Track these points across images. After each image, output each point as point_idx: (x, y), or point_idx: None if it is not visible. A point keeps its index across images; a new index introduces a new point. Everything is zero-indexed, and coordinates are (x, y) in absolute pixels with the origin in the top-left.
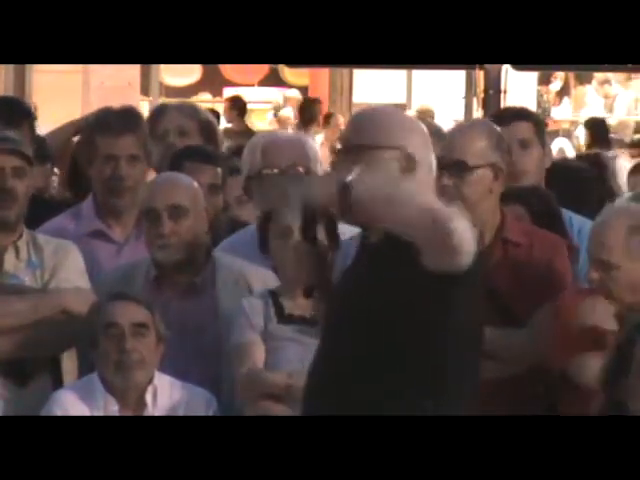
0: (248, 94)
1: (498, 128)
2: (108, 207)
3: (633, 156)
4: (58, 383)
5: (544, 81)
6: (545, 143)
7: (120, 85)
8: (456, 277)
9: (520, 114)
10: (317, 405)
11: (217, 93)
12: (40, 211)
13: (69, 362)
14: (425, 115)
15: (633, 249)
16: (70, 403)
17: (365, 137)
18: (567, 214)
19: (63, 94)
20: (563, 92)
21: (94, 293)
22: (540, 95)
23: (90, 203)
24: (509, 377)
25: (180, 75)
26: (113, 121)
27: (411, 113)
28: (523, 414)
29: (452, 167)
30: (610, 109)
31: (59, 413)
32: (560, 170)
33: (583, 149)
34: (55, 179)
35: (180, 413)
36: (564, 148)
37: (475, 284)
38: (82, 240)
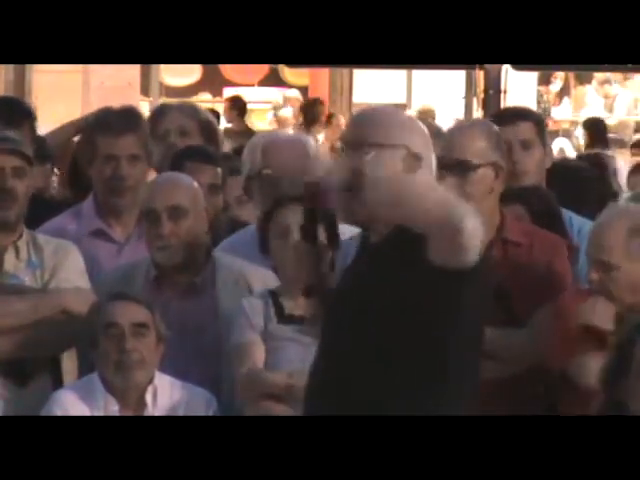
0: (248, 94)
1: (497, 128)
2: (109, 207)
3: (633, 155)
4: (58, 383)
5: (544, 81)
6: (546, 143)
7: (120, 85)
8: (460, 275)
9: (522, 114)
10: (317, 405)
11: (217, 93)
12: (40, 211)
13: (69, 362)
14: (426, 115)
15: (633, 250)
16: (70, 403)
17: (369, 136)
18: (567, 214)
19: (63, 94)
20: (563, 92)
21: (94, 293)
22: (540, 95)
23: (91, 203)
24: (509, 377)
25: (180, 75)
26: (114, 121)
27: (412, 113)
28: (523, 414)
29: (454, 166)
30: (610, 109)
31: (59, 413)
32: (560, 170)
33: (583, 149)
34: (55, 179)
35: (180, 413)
36: (564, 148)
37: (478, 283)
38: (82, 240)
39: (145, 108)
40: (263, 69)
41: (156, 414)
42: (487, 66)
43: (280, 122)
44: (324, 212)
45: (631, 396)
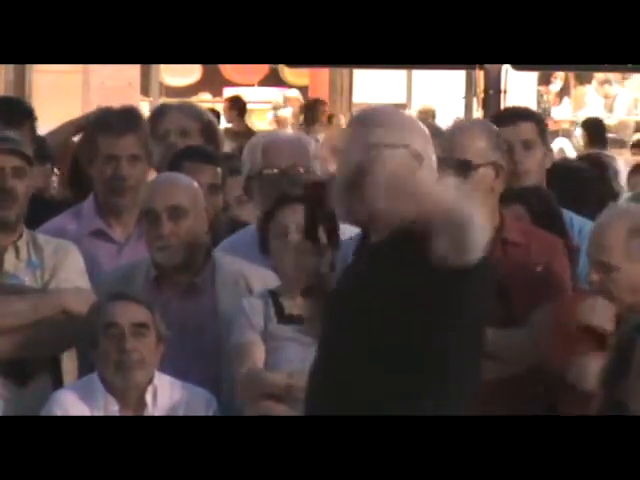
0: (248, 94)
1: (496, 128)
2: (109, 207)
3: (633, 155)
4: (58, 383)
5: (544, 81)
6: (547, 143)
7: (120, 85)
8: (463, 273)
9: (523, 114)
10: (317, 405)
11: (217, 93)
12: (40, 211)
13: (69, 362)
14: (427, 115)
15: (633, 251)
16: (70, 403)
17: (369, 136)
18: (568, 214)
19: (63, 94)
20: (563, 92)
21: (94, 293)
22: (540, 95)
23: (91, 203)
24: (509, 377)
25: (180, 75)
26: (114, 121)
27: (412, 113)
28: (523, 414)
29: (455, 166)
30: (610, 109)
31: (59, 413)
32: (561, 170)
33: (583, 149)
34: (55, 179)
35: (180, 413)
36: (564, 148)
37: (480, 282)
38: (83, 240)
39: (145, 108)
40: (263, 69)
41: (156, 414)
42: (487, 66)
43: (280, 122)
44: (324, 212)
45: (631, 396)
